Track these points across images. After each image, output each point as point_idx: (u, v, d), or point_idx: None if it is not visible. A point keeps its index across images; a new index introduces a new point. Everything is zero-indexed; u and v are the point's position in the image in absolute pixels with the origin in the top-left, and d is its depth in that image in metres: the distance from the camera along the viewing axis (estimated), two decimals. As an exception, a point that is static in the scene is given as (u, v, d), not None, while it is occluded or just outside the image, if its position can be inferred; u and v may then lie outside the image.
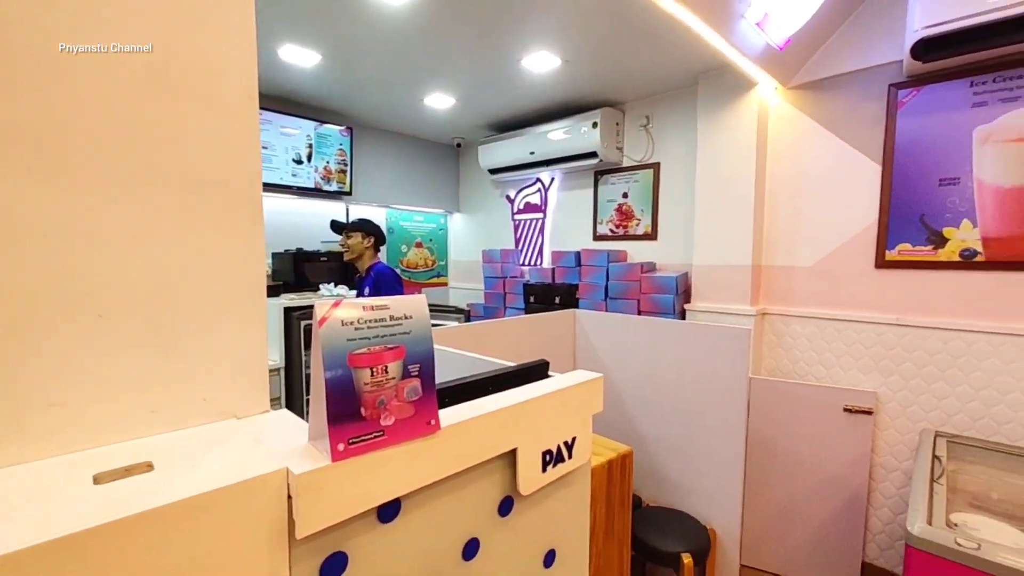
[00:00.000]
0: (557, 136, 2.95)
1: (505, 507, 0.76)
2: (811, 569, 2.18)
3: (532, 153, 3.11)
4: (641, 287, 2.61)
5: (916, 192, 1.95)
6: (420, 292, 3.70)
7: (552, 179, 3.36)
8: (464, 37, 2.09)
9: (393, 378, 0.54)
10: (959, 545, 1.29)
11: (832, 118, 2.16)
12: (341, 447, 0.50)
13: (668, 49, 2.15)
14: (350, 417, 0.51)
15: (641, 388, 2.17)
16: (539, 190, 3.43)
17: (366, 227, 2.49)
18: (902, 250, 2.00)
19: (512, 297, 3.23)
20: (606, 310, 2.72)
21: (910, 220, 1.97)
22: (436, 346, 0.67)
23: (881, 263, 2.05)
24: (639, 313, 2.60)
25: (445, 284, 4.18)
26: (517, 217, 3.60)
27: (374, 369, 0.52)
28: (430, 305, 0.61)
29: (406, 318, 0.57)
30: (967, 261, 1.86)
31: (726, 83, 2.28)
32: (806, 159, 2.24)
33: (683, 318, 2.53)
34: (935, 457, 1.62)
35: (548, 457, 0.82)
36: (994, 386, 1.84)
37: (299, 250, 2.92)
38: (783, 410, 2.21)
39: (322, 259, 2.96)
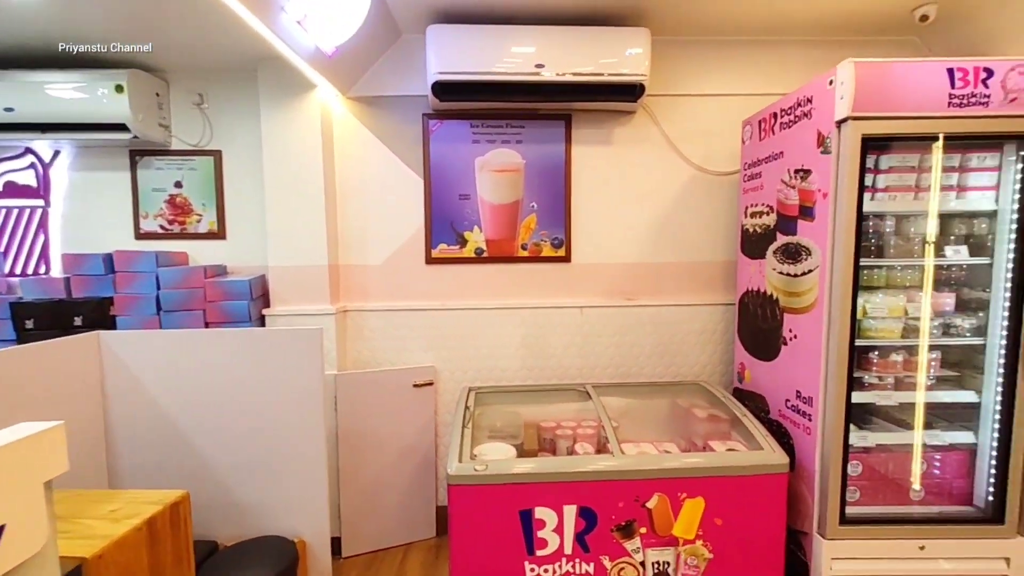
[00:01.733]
0: (61, 92, 2.11)
1: None
2: (400, 529, 2.45)
3: (10, 110, 2.10)
4: (207, 294, 2.22)
5: (446, 203, 2.47)
6: None
7: (57, 153, 2.39)
8: None
9: None
10: (476, 471, 1.70)
11: (386, 133, 2.46)
12: None
13: (213, 19, 1.87)
14: None
15: (206, 414, 1.84)
16: (32, 166, 2.38)
17: None
18: (442, 249, 2.50)
19: (-11, 324, 2.12)
20: (160, 326, 2.17)
21: (445, 225, 2.48)
22: None
23: (429, 260, 2.50)
24: (207, 325, 2.20)
25: None
26: (-6, 203, 2.39)
27: None
28: None
29: None
30: (479, 257, 2.51)
31: (287, 79, 2.21)
32: (369, 166, 2.47)
33: (263, 324, 2.33)
34: (466, 408, 2.11)
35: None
36: (501, 345, 2.57)
37: None
38: (367, 398, 2.37)
39: None
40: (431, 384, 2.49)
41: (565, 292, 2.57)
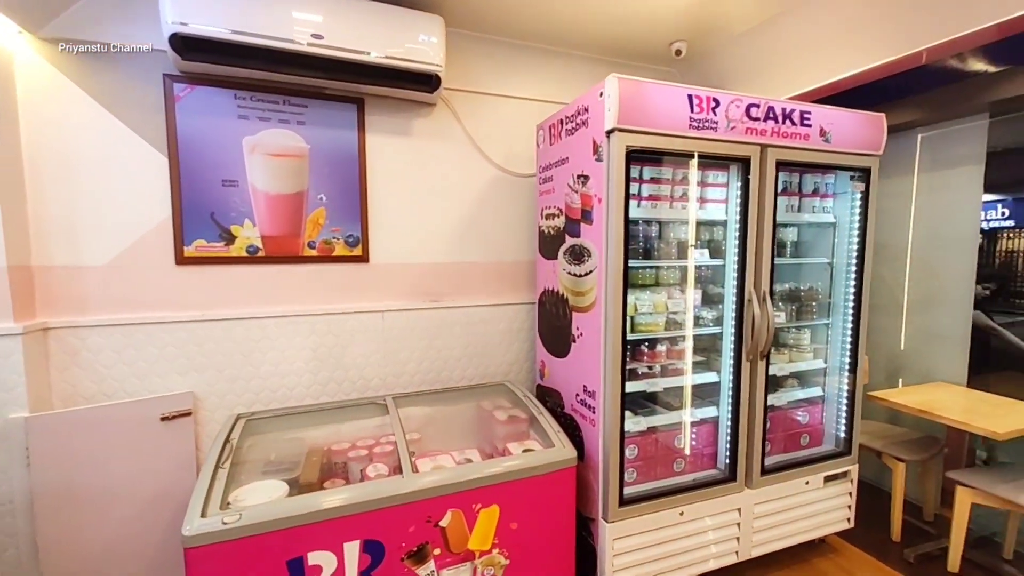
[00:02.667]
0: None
1: None
2: (145, 610, 1.91)
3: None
4: None
5: (204, 190, 2.00)
6: None
7: None
8: None
9: None
10: (224, 524, 1.36)
11: (109, 94, 1.88)
12: None
13: None
14: None
15: None
16: None
17: None
18: (199, 246, 2.02)
19: None
20: None
21: (203, 217, 2.01)
22: None
23: (181, 260, 2.00)
24: None
25: None
26: None
27: None
28: None
29: None
30: (252, 256, 2.10)
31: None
32: (81, 136, 1.85)
33: None
34: (226, 441, 1.71)
35: None
36: (286, 360, 2.20)
37: None
38: (86, 443, 1.78)
39: None
40: (188, 415, 2.00)
41: (364, 295, 2.33)
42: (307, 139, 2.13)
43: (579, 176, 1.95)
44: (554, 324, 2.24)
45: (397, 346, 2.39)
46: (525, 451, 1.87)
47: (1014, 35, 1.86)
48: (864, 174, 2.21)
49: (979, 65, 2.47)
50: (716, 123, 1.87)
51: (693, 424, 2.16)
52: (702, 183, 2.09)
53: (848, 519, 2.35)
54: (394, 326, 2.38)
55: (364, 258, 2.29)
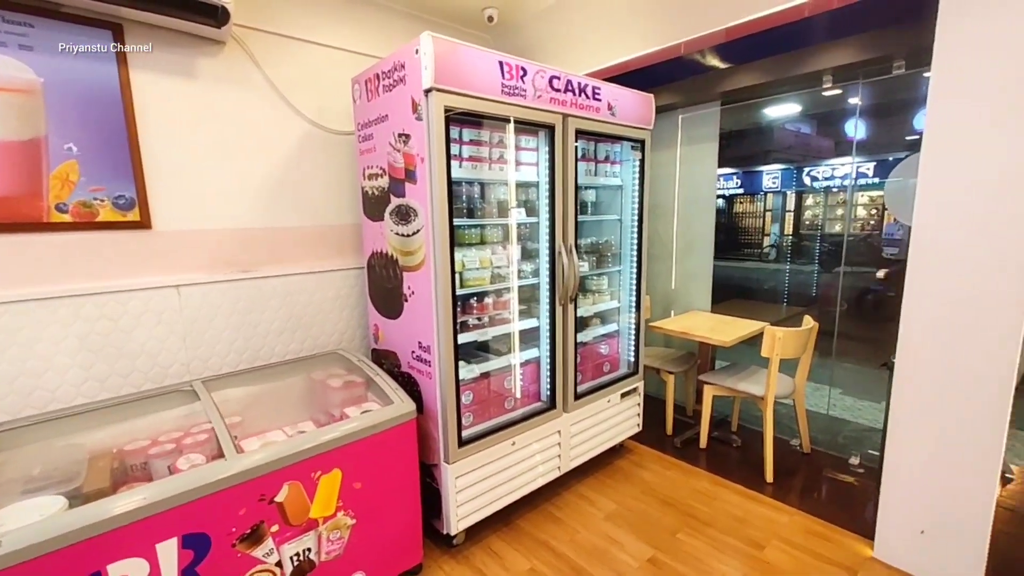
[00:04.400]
0: None
1: None
2: None
3: None
4: None
5: None
6: None
7: None
8: None
9: None
10: (-30, 561, 1.08)
11: None
12: None
13: None
14: None
15: None
16: None
17: None
18: None
19: None
20: None
21: None
22: None
23: None
24: None
25: None
26: None
27: None
28: None
29: None
30: (-35, 224, 1.58)
31: None
32: None
33: None
34: (-44, 466, 1.32)
35: None
36: (40, 356, 1.74)
37: None
38: None
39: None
40: None
41: (148, 268, 1.96)
42: (37, 69, 1.65)
43: (400, 135, 1.94)
44: (385, 286, 2.23)
45: (201, 326, 2.10)
46: (363, 412, 1.87)
47: (735, 39, 2.43)
48: (641, 145, 2.68)
49: (714, 61, 3.15)
50: (525, 91, 2.04)
51: (520, 366, 2.43)
52: (517, 147, 2.27)
53: (638, 424, 2.96)
54: (195, 303, 2.07)
55: (144, 224, 1.92)
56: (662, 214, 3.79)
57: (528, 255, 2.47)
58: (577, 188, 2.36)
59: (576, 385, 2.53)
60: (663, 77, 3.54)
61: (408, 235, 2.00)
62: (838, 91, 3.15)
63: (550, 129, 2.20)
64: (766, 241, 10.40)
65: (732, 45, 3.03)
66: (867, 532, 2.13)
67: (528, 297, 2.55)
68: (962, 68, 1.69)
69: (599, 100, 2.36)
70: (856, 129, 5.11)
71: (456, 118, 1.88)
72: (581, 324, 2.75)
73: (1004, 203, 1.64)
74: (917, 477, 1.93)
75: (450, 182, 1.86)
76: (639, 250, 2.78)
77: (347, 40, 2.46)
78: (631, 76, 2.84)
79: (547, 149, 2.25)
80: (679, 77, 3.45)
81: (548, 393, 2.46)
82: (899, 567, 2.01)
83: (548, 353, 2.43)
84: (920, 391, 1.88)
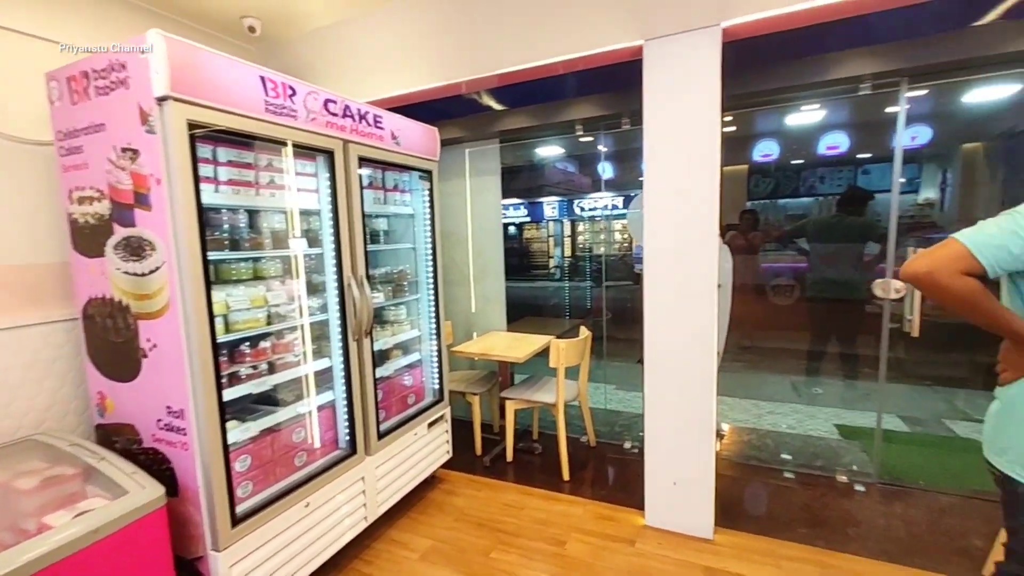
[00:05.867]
0: None
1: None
2: None
3: None
4: None
5: None
6: None
7: None
8: None
9: None
10: None
11: None
12: None
13: None
14: None
15: None
16: None
17: None
18: None
19: None
20: None
21: None
22: None
23: None
24: None
25: None
26: None
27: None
28: None
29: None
30: None
31: None
32: None
33: None
34: None
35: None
36: None
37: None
38: None
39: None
40: None
41: None
42: None
43: (125, 150, 1.55)
44: (112, 341, 1.73)
45: None
46: (79, 515, 1.38)
47: (507, 84, 2.69)
48: (428, 175, 2.74)
49: (491, 102, 3.46)
50: (296, 111, 1.87)
51: (312, 413, 2.16)
52: (293, 171, 2.06)
53: (448, 451, 2.95)
54: None
55: None
56: (457, 241, 3.94)
57: (314, 289, 2.25)
58: (365, 216, 2.26)
59: (379, 424, 2.38)
60: (448, 112, 3.74)
61: (143, 274, 1.59)
62: (591, 138, 3.80)
63: (329, 154, 2.06)
64: (551, 263, 11.89)
65: (505, 89, 3.37)
66: (641, 504, 2.52)
67: (318, 335, 2.31)
68: (660, 129, 2.20)
69: (382, 128, 2.32)
70: (604, 170, 6.24)
71: (211, 136, 1.60)
72: (381, 357, 2.63)
73: (692, 227, 2.18)
74: (668, 445, 2.37)
75: (201, 208, 1.55)
76: (435, 277, 2.81)
77: (39, 23, 1.88)
78: (416, 108, 2.90)
79: (328, 175, 2.10)
80: (463, 114, 3.69)
81: (347, 438, 2.25)
82: (663, 527, 2.43)
83: (344, 394, 2.23)
84: (661, 376, 2.33)
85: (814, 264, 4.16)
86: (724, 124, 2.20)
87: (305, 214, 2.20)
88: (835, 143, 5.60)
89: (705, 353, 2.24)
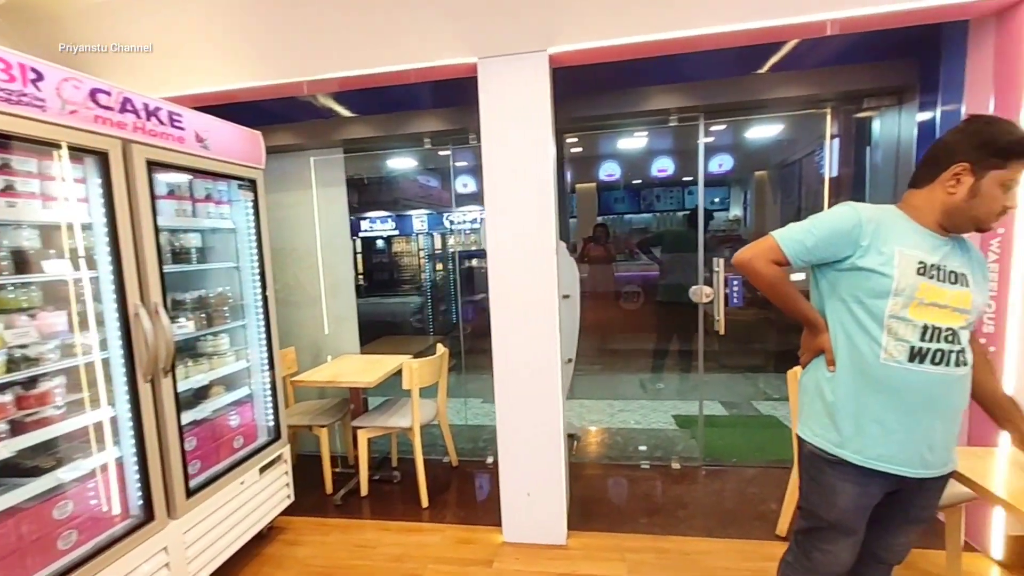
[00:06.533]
0: None
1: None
2: None
3: None
4: None
5: None
6: None
7: None
8: None
9: None
10: None
11: None
12: None
13: None
14: None
15: None
16: None
17: None
18: None
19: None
20: None
21: None
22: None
23: None
24: None
25: None
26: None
27: None
28: None
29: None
30: None
31: None
32: None
33: None
34: None
35: None
36: None
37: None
38: None
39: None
40: None
41: None
42: None
43: None
44: None
45: None
46: None
47: (348, 89, 2.50)
48: (251, 184, 2.42)
49: (334, 105, 3.23)
50: (44, 101, 1.49)
51: (79, 480, 1.71)
52: (42, 175, 1.63)
53: (289, 496, 2.60)
54: None
55: None
56: (303, 257, 3.60)
57: (89, 321, 1.81)
58: (161, 232, 1.90)
59: (188, 479, 1.99)
60: (287, 116, 3.41)
61: None
62: (448, 152, 3.76)
63: (101, 156, 1.68)
64: (424, 277, 11.66)
65: (349, 96, 3.17)
66: (499, 520, 2.49)
67: (94, 379, 1.86)
68: (496, 145, 2.24)
69: (181, 129, 1.98)
70: (466, 184, 6.29)
71: None
72: (197, 397, 2.23)
73: (530, 241, 2.24)
74: (520, 456, 2.37)
75: None
76: (265, 300, 2.48)
77: None
78: (243, 108, 2.57)
79: (101, 181, 1.71)
80: (303, 118, 3.39)
81: (140, 503, 1.83)
82: (520, 541, 2.42)
83: (134, 449, 1.82)
84: (509, 387, 2.34)
85: (663, 271, 4.63)
86: (571, 145, 2.32)
87: (66, 229, 1.76)
88: (664, 167, 6.40)
89: (550, 361, 2.30)
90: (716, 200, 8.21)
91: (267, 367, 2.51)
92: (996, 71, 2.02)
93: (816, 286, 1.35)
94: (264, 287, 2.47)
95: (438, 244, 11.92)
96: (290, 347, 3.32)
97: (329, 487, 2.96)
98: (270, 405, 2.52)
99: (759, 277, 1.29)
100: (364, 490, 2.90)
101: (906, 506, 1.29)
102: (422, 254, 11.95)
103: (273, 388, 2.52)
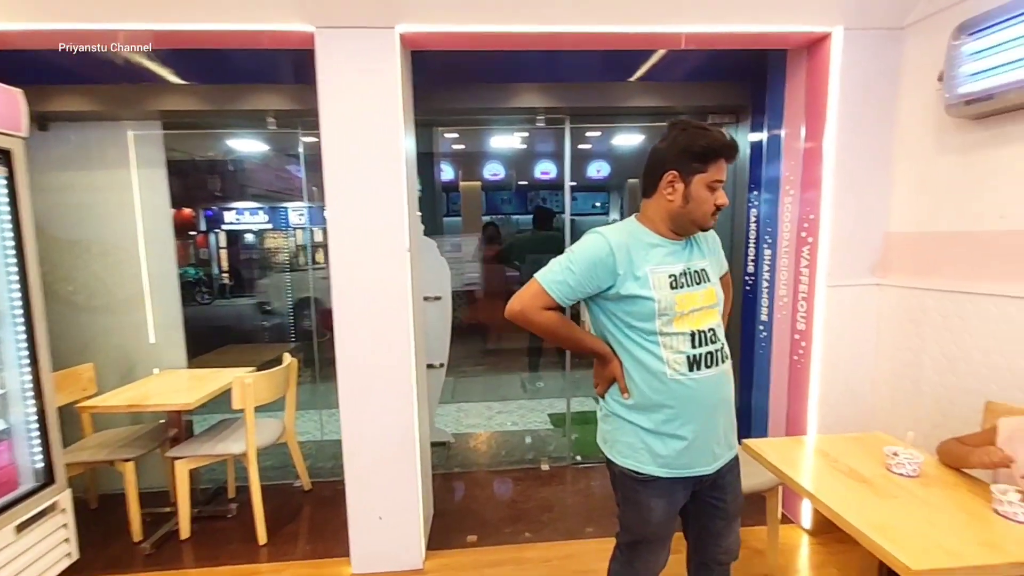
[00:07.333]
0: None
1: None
2: None
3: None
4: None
5: None
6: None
7: None
8: None
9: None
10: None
11: None
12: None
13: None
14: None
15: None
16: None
17: None
18: None
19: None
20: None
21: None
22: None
23: None
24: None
25: None
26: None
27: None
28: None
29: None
30: None
31: None
32: None
33: None
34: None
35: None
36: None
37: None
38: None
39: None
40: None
41: None
42: None
43: None
44: None
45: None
46: None
47: (168, 48, 2.03)
48: (4, 156, 1.85)
49: (148, 64, 2.64)
50: None
51: None
52: None
53: (69, 554, 2.06)
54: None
55: None
56: (110, 251, 2.94)
57: None
58: None
59: None
60: (89, 76, 2.73)
61: None
62: (313, 138, 3.32)
63: None
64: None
65: (167, 54, 2.63)
66: (348, 550, 2.22)
67: None
68: (337, 129, 1.98)
69: None
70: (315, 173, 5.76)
71: None
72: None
73: (379, 239, 2.02)
74: (370, 476, 2.13)
75: None
76: (26, 305, 1.92)
77: None
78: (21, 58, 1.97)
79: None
80: (110, 80, 2.74)
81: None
82: (372, 570, 2.18)
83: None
84: (357, 396, 2.08)
85: (524, 274, 4.66)
86: (451, 141, 2.11)
87: None
88: (547, 169, 6.52)
89: (405, 369, 2.09)
90: (597, 204, 8.62)
91: (31, 392, 1.94)
92: (807, 99, 2.26)
93: (594, 317, 1.34)
94: (26, 290, 1.90)
95: (320, 240, 10.98)
96: (87, 363, 2.68)
97: (137, 533, 2.42)
98: (36, 441, 1.96)
99: (535, 327, 1.26)
100: (185, 532, 2.42)
101: (716, 502, 1.35)
102: (301, 252, 10.91)
103: (42, 419, 1.96)
